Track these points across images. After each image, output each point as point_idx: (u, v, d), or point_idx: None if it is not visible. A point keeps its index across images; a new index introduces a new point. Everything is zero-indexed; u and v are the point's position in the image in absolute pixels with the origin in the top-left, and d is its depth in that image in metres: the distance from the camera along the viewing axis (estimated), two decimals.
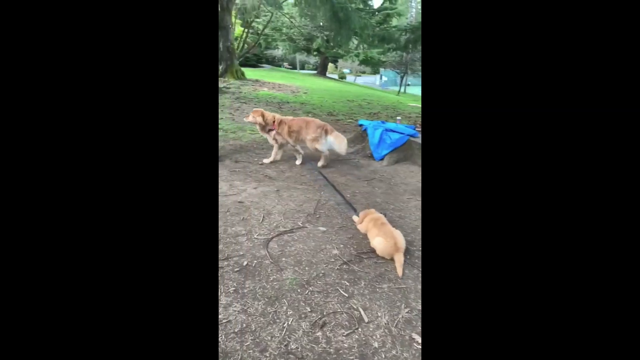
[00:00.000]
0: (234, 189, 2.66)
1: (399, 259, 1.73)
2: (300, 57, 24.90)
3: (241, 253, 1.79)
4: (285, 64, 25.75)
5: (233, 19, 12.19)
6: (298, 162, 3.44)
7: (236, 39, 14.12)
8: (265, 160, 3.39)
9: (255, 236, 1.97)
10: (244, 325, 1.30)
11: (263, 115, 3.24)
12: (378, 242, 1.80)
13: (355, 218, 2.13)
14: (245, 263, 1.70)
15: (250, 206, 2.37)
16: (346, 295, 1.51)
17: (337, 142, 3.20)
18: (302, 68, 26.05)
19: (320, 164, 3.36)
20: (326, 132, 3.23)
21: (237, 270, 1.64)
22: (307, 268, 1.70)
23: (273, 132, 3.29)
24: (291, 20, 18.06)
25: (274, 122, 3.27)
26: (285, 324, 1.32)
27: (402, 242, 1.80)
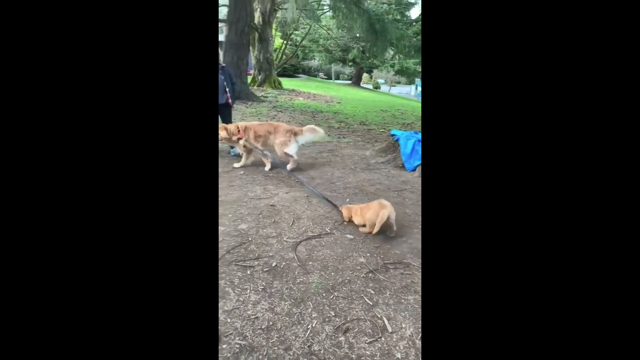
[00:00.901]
0: (267, 193, 2.78)
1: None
2: (335, 67, 25.30)
3: (271, 254, 1.87)
4: (321, 74, 26.31)
5: (273, 32, 12.78)
6: (266, 168, 3.38)
7: (275, 50, 14.75)
8: (236, 165, 3.44)
9: (284, 239, 2.05)
10: (271, 323, 1.36)
11: (226, 129, 3.31)
12: (369, 217, 2.08)
13: (344, 210, 2.32)
14: (274, 264, 1.77)
15: (282, 210, 2.46)
16: (370, 303, 1.52)
17: (312, 133, 3.30)
18: (337, 78, 26.43)
19: (289, 167, 3.35)
20: (295, 135, 3.30)
21: (267, 270, 1.71)
22: (332, 273, 1.73)
23: (242, 140, 3.35)
24: (328, 32, 18.50)
25: (239, 130, 3.33)
26: (310, 326, 1.36)
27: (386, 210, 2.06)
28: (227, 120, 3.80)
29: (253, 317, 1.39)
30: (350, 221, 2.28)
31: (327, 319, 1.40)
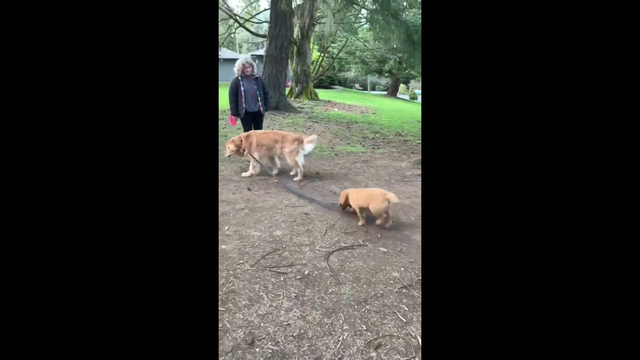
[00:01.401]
0: (301, 201, 2.83)
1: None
2: (371, 78, 25.33)
3: (304, 262, 1.89)
4: (357, 85, 26.46)
5: (311, 45, 13.19)
6: (245, 174, 3.40)
7: (312, 62, 15.17)
8: (244, 174, 3.46)
9: (317, 248, 2.06)
10: (302, 331, 1.37)
11: (233, 142, 3.39)
12: (374, 207, 2.26)
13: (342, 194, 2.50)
14: (306, 272, 1.79)
15: (315, 219, 2.49)
16: (404, 320, 1.47)
17: (312, 144, 3.31)
18: (373, 89, 26.39)
19: (297, 178, 3.36)
20: (301, 143, 3.28)
21: (299, 278, 1.73)
22: (365, 286, 1.70)
23: (246, 151, 3.40)
24: (365, 43, 18.65)
25: (241, 140, 3.37)
26: (341, 338, 1.34)
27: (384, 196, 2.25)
28: (259, 126, 3.99)
29: (285, 323, 1.41)
30: (347, 205, 2.48)
31: (358, 333, 1.38)
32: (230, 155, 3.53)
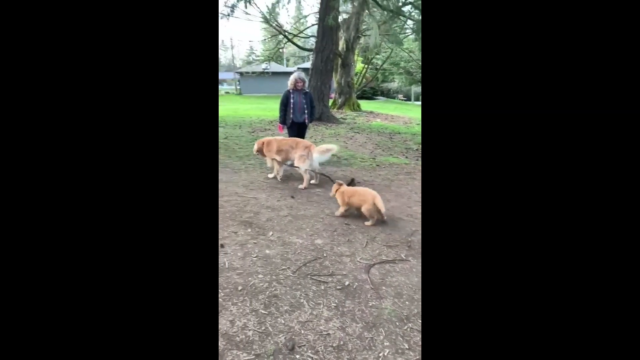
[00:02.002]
0: None
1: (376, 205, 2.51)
2: (415, 88, 24.73)
3: (344, 272, 1.89)
4: (400, 95, 26.00)
5: (355, 57, 13.34)
6: (270, 175, 3.66)
7: (356, 74, 15.30)
8: (270, 175, 3.74)
9: (358, 259, 2.04)
10: (342, 342, 1.36)
11: (257, 143, 3.74)
12: (366, 209, 2.54)
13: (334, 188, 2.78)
14: (347, 283, 1.78)
15: (356, 230, 2.47)
16: None
17: (322, 153, 3.45)
18: (417, 99, 25.70)
19: (302, 186, 3.46)
20: (310, 151, 3.47)
21: (339, 289, 1.73)
22: (407, 302, 1.64)
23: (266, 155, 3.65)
24: (410, 54, 18.35)
25: (262, 144, 3.67)
26: (381, 354, 1.31)
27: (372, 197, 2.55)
28: (302, 136, 4.27)
29: (325, 333, 1.41)
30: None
31: (399, 351, 1.33)
32: (257, 153, 3.85)
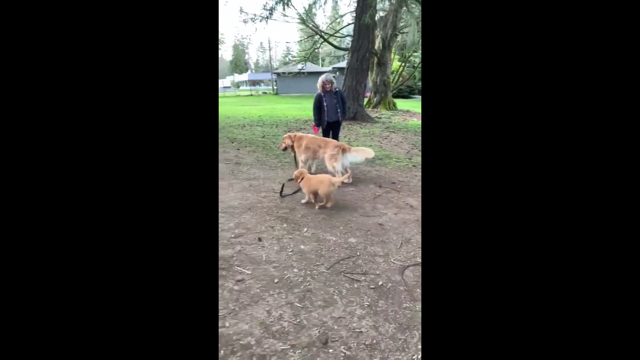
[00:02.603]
0: (375, 211, 2.82)
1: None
2: None
3: (377, 272, 1.88)
4: None
5: (392, 55, 13.05)
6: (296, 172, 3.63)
7: (392, 72, 14.97)
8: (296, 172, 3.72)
9: (392, 260, 2.02)
10: (374, 341, 1.36)
11: (289, 137, 3.85)
12: (322, 191, 2.78)
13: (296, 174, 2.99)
14: (380, 283, 1.77)
15: (389, 230, 2.44)
16: None
17: (359, 154, 3.42)
18: None
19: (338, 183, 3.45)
20: (344, 151, 3.48)
21: (373, 288, 1.73)
22: None
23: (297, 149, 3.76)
24: None
25: (293, 138, 3.77)
26: (415, 357, 1.29)
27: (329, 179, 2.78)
28: (337, 133, 4.37)
29: (357, 330, 1.42)
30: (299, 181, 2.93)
31: None
32: (285, 149, 3.96)
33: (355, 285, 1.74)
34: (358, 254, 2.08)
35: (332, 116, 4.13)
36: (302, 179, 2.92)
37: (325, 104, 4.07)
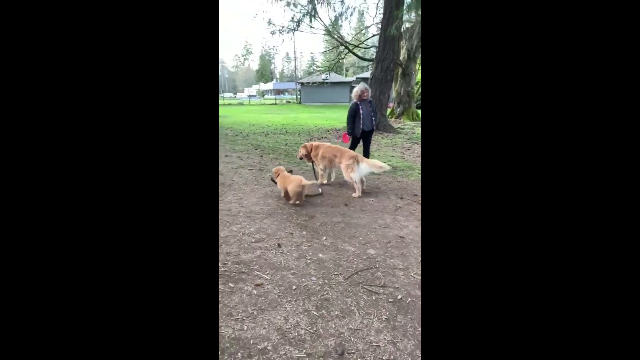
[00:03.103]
0: (396, 223, 2.77)
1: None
2: None
3: (397, 286, 1.84)
4: None
5: (417, 66, 12.95)
6: (316, 182, 3.69)
7: (417, 83, 14.83)
8: (316, 182, 3.75)
9: (412, 274, 1.97)
10: (392, 357, 1.33)
11: (305, 148, 3.93)
12: (290, 189, 3.09)
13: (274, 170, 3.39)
14: (399, 297, 1.73)
15: (410, 243, 2.39)
16: None
17: (370, 166, 3.40)
18: None
19: (355, 194, 3.49)
20: (358, 161, 3.47)
21: (391, 301, 1.69)
22: None
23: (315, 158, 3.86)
24: None
25: (311, 148, 3.86)
26: None
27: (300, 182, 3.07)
28: (369, 142, 4.38)
29: (375, 344, 1.39)
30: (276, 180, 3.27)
31: None
32: (302, 159, 4.04)
33: (374, 298, 1.72)
34: (377, 265, 2.05)
35: (368, 125, 4.18)
36: (278, 175, 3.27)
37: (362, 112, 4.10)
